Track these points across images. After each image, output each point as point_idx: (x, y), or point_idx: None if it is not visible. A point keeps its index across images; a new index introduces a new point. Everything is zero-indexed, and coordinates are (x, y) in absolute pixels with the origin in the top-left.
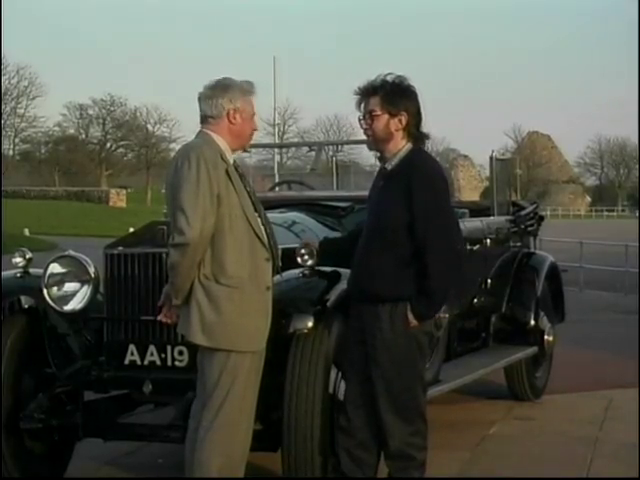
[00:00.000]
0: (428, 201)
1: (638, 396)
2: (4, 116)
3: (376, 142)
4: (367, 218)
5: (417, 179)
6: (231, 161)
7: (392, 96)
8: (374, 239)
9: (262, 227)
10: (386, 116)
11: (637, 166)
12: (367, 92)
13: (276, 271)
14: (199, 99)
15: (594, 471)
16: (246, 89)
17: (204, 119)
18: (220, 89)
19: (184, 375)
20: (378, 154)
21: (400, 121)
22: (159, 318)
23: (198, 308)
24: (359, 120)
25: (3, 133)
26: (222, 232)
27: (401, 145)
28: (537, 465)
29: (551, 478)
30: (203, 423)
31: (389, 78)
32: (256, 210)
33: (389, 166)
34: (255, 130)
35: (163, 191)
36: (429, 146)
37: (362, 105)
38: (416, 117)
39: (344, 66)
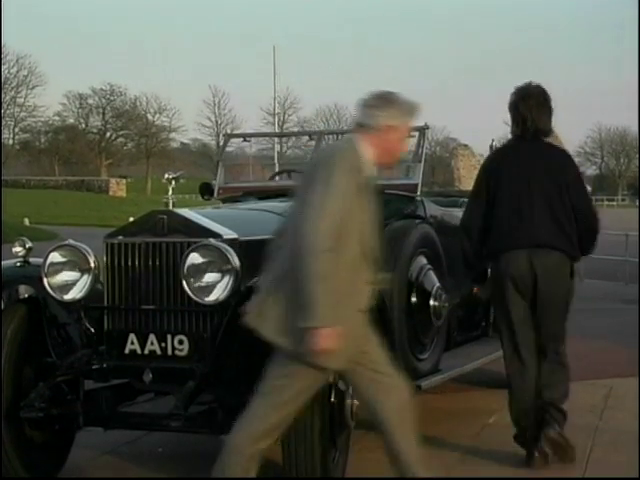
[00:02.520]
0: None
1: (638, 385)
2: (4, 105)
3: None
4: None
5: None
6: (369, 174)
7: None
8: None
9: (373, 248)
10: None
11: (637, 155)
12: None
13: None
14: (359, 104)
15: (594, 459)
16: (409, 111)
17: (358, 125)
18: (384, 102)
19: (184, 364)
20: None
21: None
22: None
23: (287, 309)
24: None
25: (3, 123)
26: (336, 245)
27: None
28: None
29: (550, 478)
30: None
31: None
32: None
33: None
34: (404, 151)
35: (163, 180)
36: (429, 135)
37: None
38: None
39: (344, 55)
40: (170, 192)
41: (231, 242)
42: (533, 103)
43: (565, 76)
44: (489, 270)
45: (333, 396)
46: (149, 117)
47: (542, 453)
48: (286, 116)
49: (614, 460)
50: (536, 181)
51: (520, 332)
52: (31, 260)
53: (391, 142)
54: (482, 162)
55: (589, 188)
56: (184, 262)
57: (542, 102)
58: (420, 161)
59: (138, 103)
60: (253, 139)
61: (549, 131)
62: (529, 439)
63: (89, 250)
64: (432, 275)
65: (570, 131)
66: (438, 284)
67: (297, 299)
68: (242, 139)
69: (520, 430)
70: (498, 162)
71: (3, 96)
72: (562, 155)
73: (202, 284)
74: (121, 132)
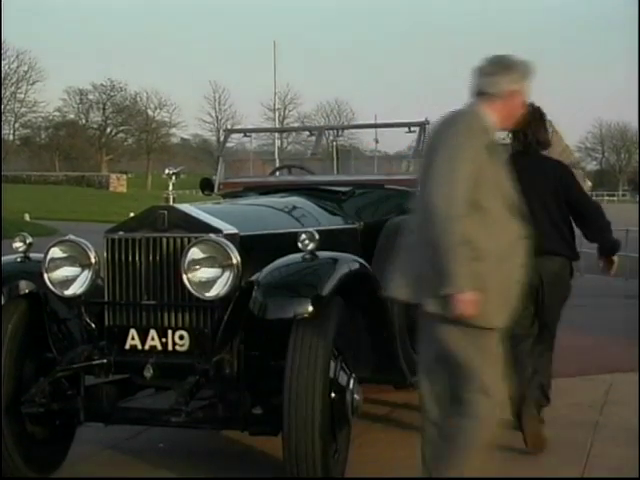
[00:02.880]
0: None
1: (638, 380)
2: (4, 101)
3: None
4: None
5: None
6: (494, 138)
7: None
8: None
9: (518, 203)
10: None
11: (638, 151)
12: None
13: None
14: (476, 72)
15: (594, 454)
16: (527, 72)
17: (479, 94)
18: (502, 68)
19: (185, 359)
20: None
21: None
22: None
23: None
24: None
25: (3, 118)
26: (476, 206)
27: None
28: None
29: (549, 478)
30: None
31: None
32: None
33: None
34: (524, 113)
35: (164, 176)
36: (429, 131)
37: None
38: None
39: (345, 51)
40: (170, 187)
41: (231, 237)
42: (530, 119)
43: (565, 72)
44: None
45: (333, 392)
46: (149, 113)
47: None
48: (286, 112)
49: (614, 455)
50: (537, 194)
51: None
52: (31, 255)
53: (514, 106)
54: None
55: (589, 184)
56: (184, 257)
57: (538, 117)
58: (420, 156)
59: (138, 99)
60: (253, 134)
61: (548, 142)
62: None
63: (89, 245)
64: None
65: (571, 126)
66: None
67: (435, 267)
68: (242, 134)
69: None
70: None
71: (3, 92)
72: (558, 166)
73: (203, 279)
74: (121, 128)
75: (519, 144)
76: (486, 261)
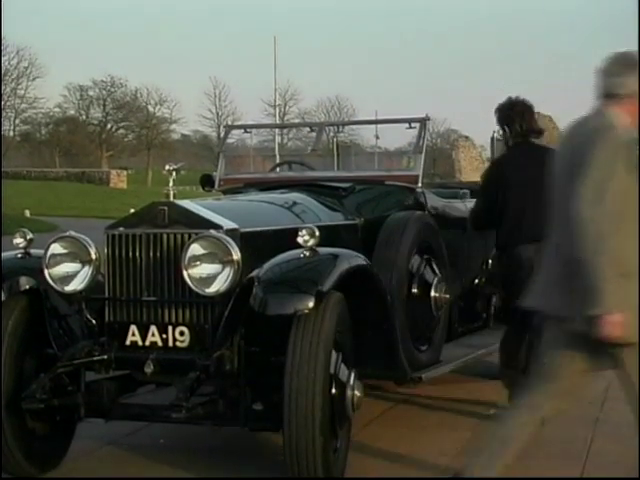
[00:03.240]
0: None
1: (638, 376)
2: (4, 97)
3: None
4: None
5: None
6: (634, 143)
7: None
8: None
9: None
10: None
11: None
12: None
13: None
14: (601, 74)
15: (594, 451)
16: None
17: (607, 96)
18: (629, 66)
19: (185, 355)
20: None
21: None
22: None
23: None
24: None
25: (3, 114)
26: (622, 222)
27: None
28: (537, 445)
29: (547, 478)
30: None
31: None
32: None
33: None
34: None
35: (164, 172)
36: (430, 127)
37: None
38: None
39: (345, 47)
40: (171, 184)
41: (232, 233)
42: (519, 109)
43: (566, 69)
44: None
45: (334, 387)
46: (150, 109)
47: None
48: (287, 108)
49: (615, 451)
50: (533, 183)
51: None
52: (32, 252)
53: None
54: (487, 170)
55: None
56: (185, 253)
57: (529, 108)
58: (421, 152)
59: (139, 95)
60: (254, 130)
61: (542, 131)
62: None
63: (90, 241)
64: (433, 266)
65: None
66: (439, 275)
67: (581, 284)
68: (243, 130)
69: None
70: (501, 169)
71: (4, 88)
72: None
73: (203, 275)
74: (122, 124)
75: (512, 135)
76: (633, 277)
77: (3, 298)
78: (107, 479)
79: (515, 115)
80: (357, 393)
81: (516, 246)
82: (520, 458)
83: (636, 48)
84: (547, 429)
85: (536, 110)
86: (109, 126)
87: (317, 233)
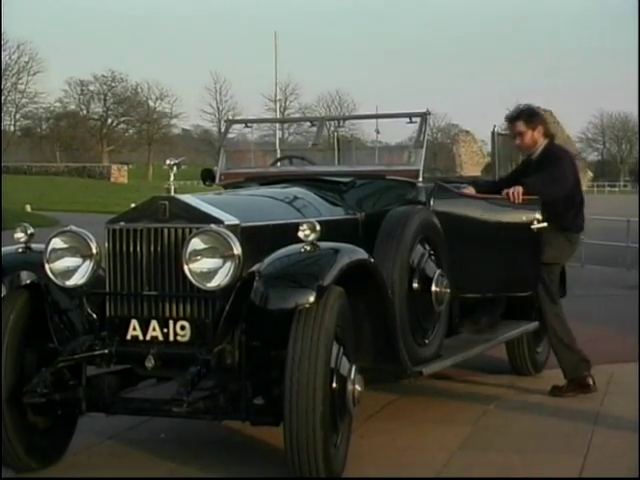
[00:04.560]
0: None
1: (638, 371)
2: (4, 92)
3: (528, 148)
4: None
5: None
6: None
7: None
8: None
9: None
10: (530, 130)
11: (638, 142)
12: (512, 119)
13: None
14: None
15: (595, 445)
16: None
17: None
18: None
19: (186, 350)
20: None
21: (539, 131)
22: None
23: None
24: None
25: (4, 109)
26: None
27: (540, 143)
28: (537, 439)
29: (545, 478)
30: None
31: (522, 106)
32: None
33: (534, 157)
34: None
35: (165, 167)
36: (431, 122)
37: (511, 128)
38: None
39: (346, 42)
40: (172, 178)
41: (233, 228)
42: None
43: (566, 64)
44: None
45: (335, 382)
46: (150, 104)
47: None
48: (287, 102)
49: (615, 445)
50: None
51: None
52: (33, 246)
53: None
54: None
55: (590, 174)
56: (186, 248)
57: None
58: (422, 147)
59: (139, 89)
60: (255, 125)
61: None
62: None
63: (91, 236)
64: (434, 261)
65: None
66: (440, 270)
67: None
68: (244, 125)
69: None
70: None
71: (4, 82)
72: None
73: (204, 270)
74: (122, 119)
75: None
76: None
77: (4, 293)
78: (101, 479)
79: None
80: (358, 387)
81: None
82: (521, 452)
83: (636, 48)
84: (546, 423)
85: (537, 105)
86: (110, 121)
87: (318, 228)
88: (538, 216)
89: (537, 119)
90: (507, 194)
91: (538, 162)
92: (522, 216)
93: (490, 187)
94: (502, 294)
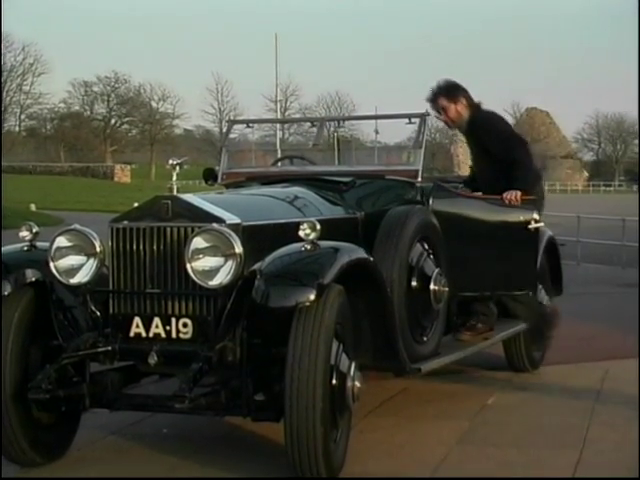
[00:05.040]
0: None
1: (638, 367)
2: (10, 93)
3: (454, 122)
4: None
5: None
6: None
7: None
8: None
9: None
10: (452, 104)
11: (635, 141)
12: (433, 96)
13: None
14: None
15: (590, 439)
16: None
17: None
18: None
19: (188, 347)
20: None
21: (462, 103)
22: None
23: None
24: (437, 117)
25: (9, 110)
26: None
27: (465, 115)
28: (534, 434)
29: (545, 478)
30: None
31: (440, 82)
32: None
33: (464, 130)
34: None
35: (167, 167)
36: (429, 122)
37: (434, 106)
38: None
39: (345, 43)
40: (174, 178)
41: (234, 227)
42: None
43: (563, 65)
44: None
45: (334, 378)
46: (153, 104)
47: None
48: (288, 103)
49: (610, 439)
50: None
51: None
52: (38, 244)
53: None
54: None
55: (586, 174)
56: (188, 246)
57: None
58: (421, 147)
59: (142, 90)
60: (255, 126)
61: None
62: None
63: (95, 235)
64: (432, 260)
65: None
66: (438, 269)
67: None
68: (245, 125)
69: None
70: None
71: (9, 84)
72: None
73: (206, 268)
74: (125, 119)
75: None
76: None
77: (10, 290)
78: (95, 479)
79: None
80: (357, 384)
81: None
82: (518, 446)
83: (636, 47)
84: (543, 418)
85: (533, 105)
86: (113, 121)
87: (318, 227)
88: (535, 216)
89: (458, 92)
90: (507, 198)
91: (470, 134)
92: (519, 216)
93: (469, 184)
94: (500, 293)
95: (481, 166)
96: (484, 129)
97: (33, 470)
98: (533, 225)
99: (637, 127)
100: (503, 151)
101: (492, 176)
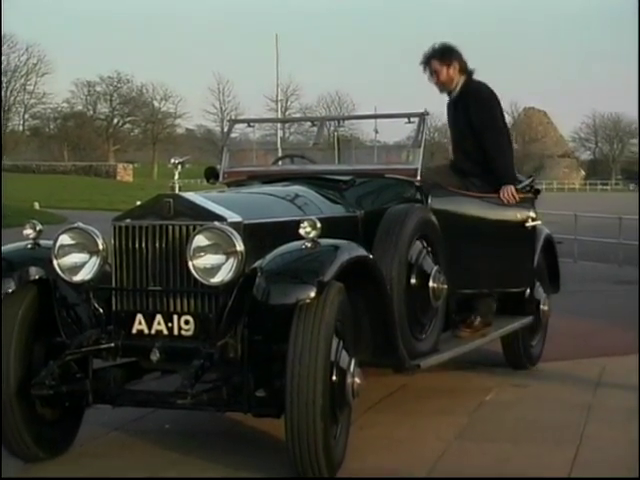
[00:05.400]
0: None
1: (638, 364)
2: (14, 92)
3: (444, 86)
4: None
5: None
6: None
7: (443, 54)
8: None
9: None
10: (444, 68)
11: (631, 141)
12: (426, 59)
13: None
14: None
15: (587, 435)
16: None
17: None
18: None
19: (190, 344)
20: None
21: (454, 67)
22: None
23: None
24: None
25: (13, 109)
26: None
27: (457, 80)
28: (532, 430)
29: (539, 478)
30: None
31: (435, 45)
32: None
33: (453, 95)
34: None
35: (169, 165)
36: (428, 121)
37: (427, 69)
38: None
39: (345, 44)
40: (176, 177)
41: (236, 225)
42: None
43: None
44: None
45: (335, 375)
46: (155, 104)
47: None
48: (289, 103)
49: (607, 436)
50: None
51: None
52: (41, 242)
53: None
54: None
55: (583, 173)
56: (190, 244)
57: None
58: (420, 146)
59: (144, 90)
60: (257, 125)
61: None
62: None
63: (98, 233)
64: (431, 257)
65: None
66: (437, 266)
67: None
68: (246, 125)
69: None
70: None
71: (13, 84)
72: None
73: (207, 266)
74: (128, 119)
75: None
76: None
77: (13, 287)
78: (92, 479)
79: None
80: (357, 380)
81: None
82: (515, 442)
83: (636, 47)
84: (540, 414)
85: (530, 105)
86: (116, 121)
87: (318, 225)
88: (532, 214)
89: (451, 55)
90: (504, 198)
91: (458, 100)
92: (517, 214)
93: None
94: (497, 290)
95: (463, 145)
96: (475, 98)
97: (34, 468)
98: (530, 223)
99: (634, 126)
100: (486, 129)
101: (474, 151)
